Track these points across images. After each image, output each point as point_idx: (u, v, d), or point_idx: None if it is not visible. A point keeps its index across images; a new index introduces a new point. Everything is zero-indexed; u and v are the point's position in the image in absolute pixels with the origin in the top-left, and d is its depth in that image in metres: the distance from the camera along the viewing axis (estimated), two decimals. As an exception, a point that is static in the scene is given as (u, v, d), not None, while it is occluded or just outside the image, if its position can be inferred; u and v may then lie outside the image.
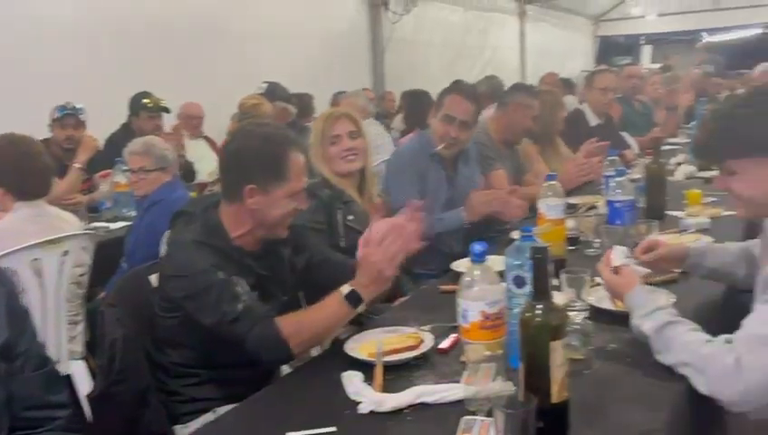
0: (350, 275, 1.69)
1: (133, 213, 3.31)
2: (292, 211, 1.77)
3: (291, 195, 1.73)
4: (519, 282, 1.46)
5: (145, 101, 4.22)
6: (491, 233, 2.87)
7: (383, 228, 1.67)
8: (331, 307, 1.66)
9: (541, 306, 1.21)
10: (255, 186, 1.69)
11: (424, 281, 2.76)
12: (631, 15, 12.69)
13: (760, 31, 14.75)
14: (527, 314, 1.22)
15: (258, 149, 1.72)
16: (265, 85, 4.27)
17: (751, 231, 2.00)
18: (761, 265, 1.64)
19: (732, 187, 1.53)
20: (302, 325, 1.66)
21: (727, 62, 12.26)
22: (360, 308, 1.67)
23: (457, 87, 3.01)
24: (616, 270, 1.69)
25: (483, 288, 1.35)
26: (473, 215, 2.77)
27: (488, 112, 5.20)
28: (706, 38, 15.12)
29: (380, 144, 4.26)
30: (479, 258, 1.36)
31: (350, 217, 2.38)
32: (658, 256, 1.88)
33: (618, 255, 1.73)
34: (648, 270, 1.93)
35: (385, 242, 1.65)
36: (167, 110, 4.31)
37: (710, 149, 1.57)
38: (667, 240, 2.40)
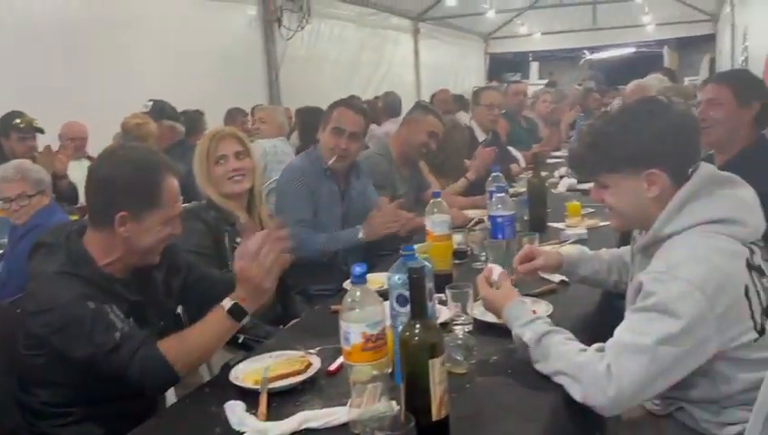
0: (232, 288, 1.65)
1: (4, 240, 3.09)
2: (166, 237, 1.71)
3: (165, 221, 1.68)
4: (402, 301, 1.48)
5: (16, 121, 3.95)
6: (387, 250, 2.90)
7: (258, 241, 1.63)
8: (215, 323, 1.62)
9: (419, 325, 1.23)
10: (127, 213, 1.62)
11: (320, 301, 2.75)
12: (519, 34, 13.29)
13: (633, 49, 15.92)
14: (406, 334, 1.24)
15: (130, 175, 1.65)
16: (151, 103, 4.11)
17: (624, 242, 2.13)
18: (630, 273, 1.76)
19: (604, 199, 1.62)
20: (187, 345, 1.61)
21: (606, 78, 13.14)
22: (245, 320, 1.63)
23: (344, 101, 3.04)
24: (496, 285, 1.74)
25: (364, 310, 1.35)
26: (372, 235, 2.79)
27: (387, 128, 5.30)
28: (588, 56, 16.13)
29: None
30: (359, 280, 1.36)
31: (239, 240, 2.33)
32: (535, 266, 1.96)
33: (495, 272, 1.79)
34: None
35: (260, 255, 1.61)
36: (40, 130, 4.05)
37: (584, 163, 1.67)
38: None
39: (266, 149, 4.24)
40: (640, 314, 1.41)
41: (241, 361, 1.71)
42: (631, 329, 1.41)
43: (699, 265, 1.38)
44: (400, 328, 1.49)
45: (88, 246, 1.67)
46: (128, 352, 1.54)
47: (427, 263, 1.49)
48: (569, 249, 2.56)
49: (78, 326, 1.53)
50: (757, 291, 1.42)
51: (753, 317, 1.41)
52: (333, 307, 2.14)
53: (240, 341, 2.18)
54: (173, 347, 1.58)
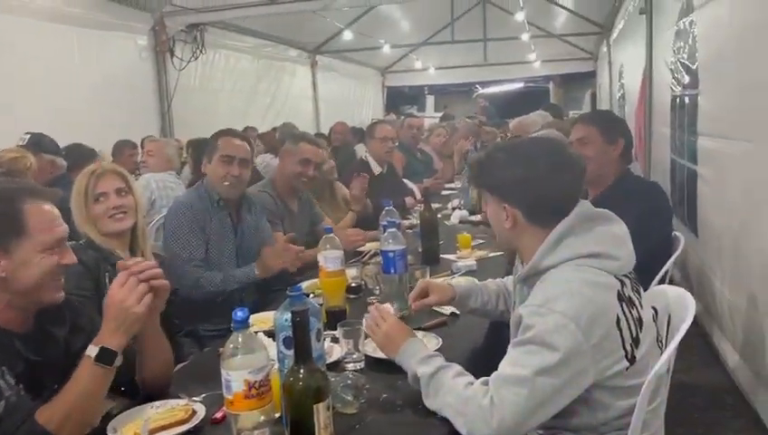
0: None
1: None
2: (54, 268, 1.56)
3: (43, 249, 1.53)
4: (288, 343, 1.45)
5: None
6: (280, 286, 2.85)
7: (125, 272, 1.56)
8: (86, 377, 1.49)
9: (302, 370, 1.21)
10: None
11: (210, 342, 2.65)
12: (414, 68, 13.65)
13: (522, 85, 16.78)
14: (289, 380, 1.21)
15: None
16: (28, 136, 3.87)
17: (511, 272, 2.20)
18: (513, 302, 1.83)
19: (487, 213, 1.80)
20: (65, 410, 1.47)
21: (498, 111, 13.74)
22: (118, 361, 1.52)
23: (227, 130, 3.00)
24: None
25: (246, 356, 1.31)
26: (266, 272, 2.73)
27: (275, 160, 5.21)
28: (480, 90, 16.81)
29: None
30: (240, 326, 1.32)
31: None
32: (429, 304, 2.02)
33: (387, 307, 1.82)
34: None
35: (129, 281, 1.54)
36: None
37: (473, 175, 1.86)
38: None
39: (154, 183, 4.08)
40: (520, 348, 1.46)
41: (121, 411, 1.61)
42: (512, 362, 1.46)
43: (573, 298, 1.45)
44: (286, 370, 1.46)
45: None
46: (10, 427, 1.41)
47: (313, 303, 1.47)
48: (459, 281, 2.63)
49: None
50: (627, 321, 1.50)
51: (624, 347, 1.48)
52: (222, 350, 2.07)
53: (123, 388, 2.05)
54: (53, 416, 1.45)
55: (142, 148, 5.28)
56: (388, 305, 1.86)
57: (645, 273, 1.84)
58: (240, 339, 1.32)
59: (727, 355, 3.21)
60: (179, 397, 1.67)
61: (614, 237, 1.59)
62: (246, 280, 2.76)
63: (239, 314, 1.31)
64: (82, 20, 5.82)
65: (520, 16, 9.32)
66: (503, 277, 2.18)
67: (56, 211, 1.61)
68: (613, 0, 8.22)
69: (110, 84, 6.11)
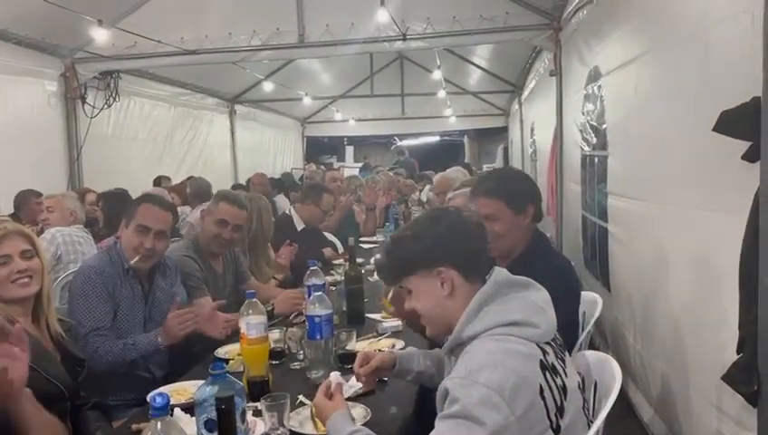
0: None
1: None
2: None
3: None
4: (210, 426, 1.36)
5: None
6: (196, 349, 2.71)
7: None
8: None
9: (228, 460, 1.12)
10: None
11: (118, 413, 2.48)
12: (334, 119, 13.77)
13: (438, 138, 17.27)
14: (214, 471, 1.12)
15: None
16: None
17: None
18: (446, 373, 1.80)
19: (414, 306, 1.67)
20: None
21: (418, 163, 14.02)
22: None
23: (150, 196, 2.88)
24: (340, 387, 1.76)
25: (165, 446, 1.21)
26: (169, 338, 2.58)
27: (194, 215, 5.07)
28: (398, 142, 17.15)
29: (82, 254, 3.83)
30: (160, 412, 1.22)
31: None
32: (373, 366, 1.97)
33: (333, 382, 1.79)
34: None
35: None
36: None
37: (387, 271, 1.75)
38: (368, 346, 2.54)
39: (60, 237, 3.84)
40: (447, 421, 1.44)
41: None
42: None
43: (496, 369, 1.44)
44: (209, 456, 1.37)
45: None
46: None
47: (237, 382, 1.39)
48: (385, 343, 2.59)
49: None
50: (551, 390, 1.50)
51: (548, 417, 1.48)
52: (134, 426, 1.93)
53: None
54: None
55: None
56: (336, 376, 1.81)
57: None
58: (159, 427, 1.22)
59: (642, 409, 3.30)
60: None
61: (533, 305, 1.61)
62: (148, 348, 2.60)
63: (158, 399, 1.21)
64: (-14, 63, 5.53)
65: (437, 74, 9.62)
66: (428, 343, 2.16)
67: None
68: (525, 61, 8.63)
69: (16, 131, 5.79)
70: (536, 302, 1.62)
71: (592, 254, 4.41)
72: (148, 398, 2.06)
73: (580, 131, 4.78)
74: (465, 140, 16.79)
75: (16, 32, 5.69)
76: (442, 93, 11.11)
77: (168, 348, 2.62)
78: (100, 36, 5.80)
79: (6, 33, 5.62)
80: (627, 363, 3.54)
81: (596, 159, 4.26)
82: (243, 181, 8.69)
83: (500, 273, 1.65)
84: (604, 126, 3.96)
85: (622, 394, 3.54)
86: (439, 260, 1.63)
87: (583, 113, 4.63)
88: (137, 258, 2.67)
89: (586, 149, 4.62)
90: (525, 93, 9.78)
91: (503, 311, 1.57)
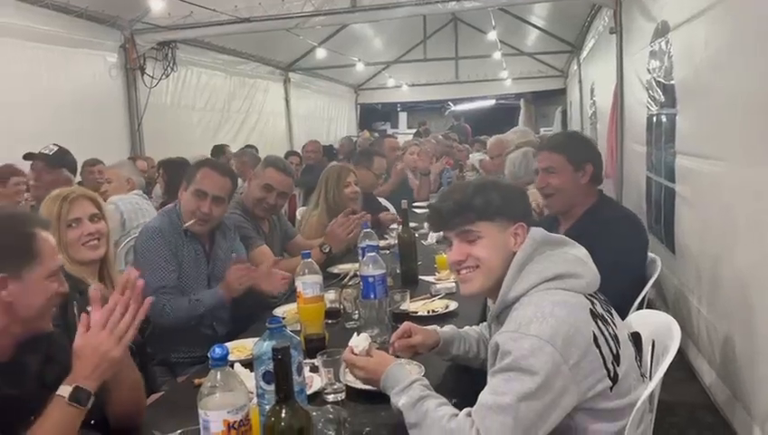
0: None
1: None
2: (54, 296, 1.56)
3: (48, 276, 1.53)
4: (268, 378, 1.39)
5: None
6: (257, 310, 2.78)
7: (108, 307, 1.52)
8: (57, 416, 1.44)
9: (285, 409, 1.15)
10: (6, 274, 1.46)
11: (183, 369, 2.58)
12: (387, 85, 13.70)
13: (493, 102, 16.95)
14: (271, 419, 1.16)
15: (1, 234, 1.51)
16: (55, 148, 3.81)
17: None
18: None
19: (473, 252, 1.65)
20: None
21: (472, 128, 13.85)
22: (91, 402, 1.47)
23: (210, 161, 2.92)
24: (366, 353, 1.72)
25: (225, 395, 1.24)
26: (230, 292, 2.65)
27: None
28: (452, 107, 16.95)
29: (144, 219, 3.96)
30: (219, 363, 1.26)
31: (89, 309, 2.12)
32: (411, 344, 1.94)
33: (360, 341, 1.75)
34: None
35: (110, 321, 1.50)
36: None
37: (461, 210, 1.66)
38: (422, 307, 2.54)
39: (122, 205, 3.97)
40: (499, 375, 1.45)
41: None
42: (493, 390, 1.44)
43: (545, 320, 1.45)
44: (266, 407, 1.40)
45: None
46: None
47: (294, 336, 1.42)
48: (439, 304, 2.59)
49: None
50: (605, 338, 1.49)
51: (605, 365, 1.47)
52: (197, 381, 2.00)
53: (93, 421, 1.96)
54: None
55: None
56: (360, 340, 1.78)
57: (621, 306, 1.81)
58: (218, 377, 1.25)
59: (704, 374, 3.22)
60: (153, 433, 1.60)
61: (574, 258, 1.62)
62: (213, 302, 2.66)
63: (217, 350, 1.25)
64: (49, 37, 5.70)
65: (492, 35, 9.41)
66: (479, 316, 2.15)
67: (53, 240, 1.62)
68: (583, 19, 8.35)
69: (79, 102, 5.99)
70: (576, 255, 1.63)
71: (657, 216, 4.28)
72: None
73: (646, 89, 4.59)
74: (522, 103, 16.43)
75: (77, 4, 5.83)
76: (497, 55, 10.88)
77: (230, 302, 2.68)
78: (157, 6, 5.89)
79: (68, 7, 5.77)
80: (689, 327, 3.45)
81: (663, 118, 4.10)
82: (298, 149, 8.77)
83: (536, 232, 1.65)
84: (672, 83, 3.79)
85: (683, 358, 3.49)
86: (521, 216, 1.65)
87: (649, 71, 4.45)
88: (192, 221, 2.72)
89: (652, 108, 4.44)
90: (584, 53, 9.47)
91: (544, 267, 1.57)
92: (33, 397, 1.56)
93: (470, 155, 7.22)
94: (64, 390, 1.44)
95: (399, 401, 1.54)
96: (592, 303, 1.54)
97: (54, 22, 5.72)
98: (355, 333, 1.83)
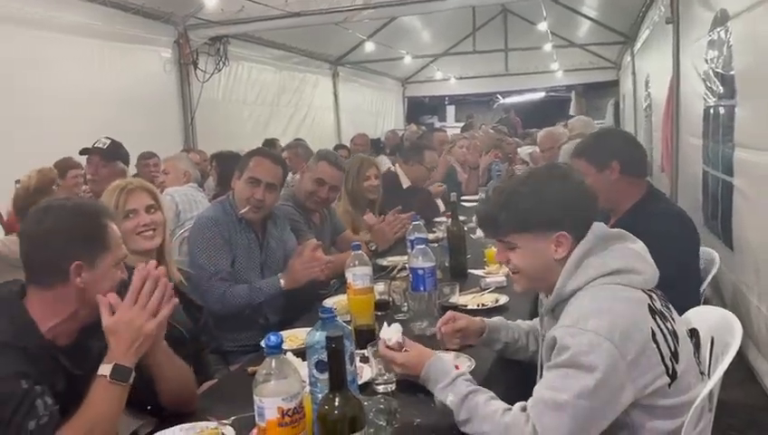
0: None
1: None
2: (119, 282, 1.63)
3: (116, 264, 1.62)
4: (321, 367, 1.41)
5: None
6: (307, 300, 2.81)
7: (136, 284, 1.59)
8: (101, 396, 1.50)
9: (338, 398, 1.16)
10: (82, 261, 1.53)
11: (236, 358, 2.63)
12: (435, 78, 13.62)
13: (544, 94, 16.67)
14: (324, 408, 1.17)
15: (76, 222, 1.58)
16: (109, 141, 3.96)
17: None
18: (541, 336, 1.76)
19: (510, 259, 1.64)
20: (82, 430, 1.47)
21: (521, 120, 13.65)
22: (132, 377, 1.53)
23: (262, 150, 2.98)
24: (401, 346, 1.70)
25: (279, 383, 1.26)
26: (292, 282, 2.68)
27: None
28: (500, 100, 16.74)
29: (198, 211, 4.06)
30: (274, 350, 1.28)
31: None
32: (457, 328, 1.95)
33: (391, 332, 1.73)
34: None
35: (141, 296, 1.57)
36: None
37: (494, 222, 1.66)
38: (471, 300, 2.53)
39: (178, 196, 4.08)
40: (557, 371, 1.43)
41: (150, 433, 1.59)
42: (550, 386, 1.42)
43: (603, 315, 1.42)
44: (319, 395, 1.42)
45: (31, 309, 1.55)
46: None
47: (346, 326, 1.43)
48: (489, 298, 2.57)
49: (3, 405, 1.40)
50: (664, 335, 1.46)
51: (663, 362, 1.44)
52: (250, 369, 2.04)
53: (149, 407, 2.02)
54: None
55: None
56: (391, 331, 1.77)
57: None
58: (273, 364, 1.28)
59: (764, 375, 3.11)
60: (207, 419, 1.64)
61: (633, 253, 1.58)
62: (272, 291, 2.71)
63: (272, 338, 1.27)
64: (106, 33, 5.87)
65: (542, 26, 9.25)
66: (529, 311, 2.12)
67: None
68: (638, 10, 8.12)
69: (134, 97, 6.15)
70: (635, 250, 1.60)
71: (713, 210, 4.14)
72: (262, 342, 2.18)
73: (703, 81, 4.44)
74: (573, 95, 16.11)
75: (134, 1, 5.99)
76: (548, 47, 10.69)
77: (287, 292, 2.71)
78: (210, 2, 6.00)
79: (126, 4, 5.93)
80: (748, 327, 3.33)
81: (721, 110, 3.96)
82: (346, 142, 8.82)
83: (597, 227, 1.61)
84: (731, 73, 3.66)
85: (743, 358, 3.37)
86: (560, 225, 1.57)
87: (706, 61, 4.30)
88: (246, 208, 2.78)
89: (710, 99, 4.29)
90: (638, 44, 9.21)
91: (603, 262, 1.54)
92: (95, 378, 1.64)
93: (518, 149, 7.12)
94: (105, 368, 1.51)
95: (446, 397, 1.54)
96: (651, 298, 1.51)
97: (111, 18, 5.88)
98: (385, 324, 1.80)
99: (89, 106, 5.53)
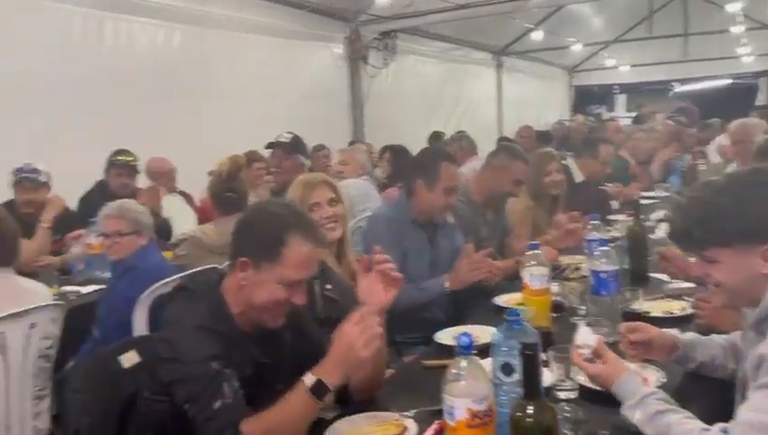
0: None
1: (107, 274, 3.19)
2: (284, 302, 1.64)
3: (282, 282, 1.61)
4: (508, 370, 1.39)
5: (120, 157, 4.15)
6: (474, 299, 2.80)
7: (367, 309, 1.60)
8: (296, 404, 1.53)
9: (532, 406, 1.15)
10: (248, 259, 1.62)
11: (406, 350, 2.69)
12: (605, 66, 12.97)
13: (729, 81, 15.17)
14: (518, 414, 1.16)
15: (259, 223, 1.67)
16: (290, 136, 4.28)
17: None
18: (743, 353, 1.59)
19: (711, 274, 1.50)
20: (268, 427, 1.53)
21: (699, 111, 12.56)
22: (328, 398, 1.55)
23: (447, 155, 2.98)
24: (596, 355, 1.62)
25: (470, 383, 1.27)
26: (458, 283, 2.68)
27: (470, 166, 5.19)
28: (678, 88, 15.51)
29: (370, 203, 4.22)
30: (466, 350, 1.28)
31: (328, 287, 2.29)
32: (646, 339, 1.81)
33: (585, 337, 1.66)
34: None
35: (366, 321, 1.55)
36: (135, 169, 4.22)
37: (690, 238, 1.52)
38: (656, 307, 2.37)
39: (353, 190, 4.24)
40: (764, 391, 1.30)
41: (335, 418, 1.66)
42: (755, 407, 1.30)
43: None
44: (503, 398, 1.40)
45: (225, 292, 1.68)
46: (217, 427, 1.51)
47: (536, 332, 1.40)
48: (676, 305, 2.40)
49: (194, 384, 1.54)
50: None
51: None
52: (426, 363, 2.07)
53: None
54: (256, 430, 1.52)
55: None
56: (587, 339, 1.68)
57: None
58: (464, 364, 1.28)
59: None
60: (390, 410, 1.69)
61: None
62: (437, 291, 2.72)
63: (464, 339, 1.28)
64: (285, 31, 6.24)
65: (732, 7, 8.42)
66: None
67: (314, 255, 1.66)
68: None
69: (310, 93, 6.49)
70: None
71: None
72: (435, 337, 2.22)
73: None
74: (764, 83, 14.51)
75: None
76: (737, 29, 9.73)
77: (451, 292, 2.73)
78: (382, -2, 6.18)
79: (301, 2, 6.25)
80: None
81: None
82: (508, 134, 8.67)
83: None
84: None
85: None
86: (767, 236, 1.40)
87: None
88: (444, 214, 2.88)
89: None
90: None
91: None
92: (285, 367, 1.72)
93: (711, 142, 6.53)
94: (309, 379, 1.52)
95: (633, 416, 1.46)
96: None
97: (290, 16, 6.24)
98: (580, 326, 1.73)
99: (267, 102, 5.92)
